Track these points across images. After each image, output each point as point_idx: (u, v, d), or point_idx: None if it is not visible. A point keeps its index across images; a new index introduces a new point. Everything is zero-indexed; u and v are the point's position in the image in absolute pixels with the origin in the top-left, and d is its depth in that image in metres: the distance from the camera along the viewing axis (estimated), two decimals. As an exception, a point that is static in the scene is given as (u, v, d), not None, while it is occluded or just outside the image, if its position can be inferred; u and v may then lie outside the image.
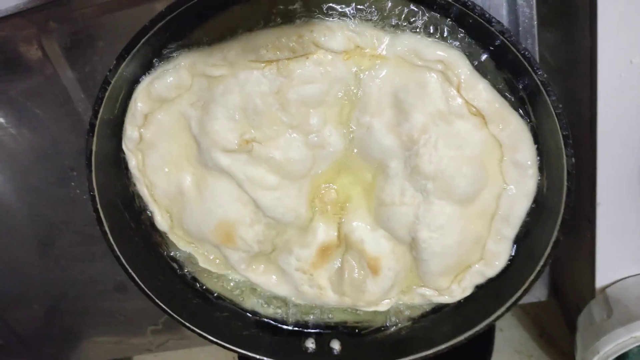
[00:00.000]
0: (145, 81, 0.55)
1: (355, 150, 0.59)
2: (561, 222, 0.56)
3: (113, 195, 0.62)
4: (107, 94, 0.51)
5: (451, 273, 0.65)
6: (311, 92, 0.54)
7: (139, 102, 0.56)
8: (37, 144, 0.75)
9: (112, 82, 0.51)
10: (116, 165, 0.61)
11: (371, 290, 0.66)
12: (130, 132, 0.58)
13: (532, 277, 0.60)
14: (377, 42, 0.53)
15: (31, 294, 0.94)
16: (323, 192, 0.63)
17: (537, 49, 0.59)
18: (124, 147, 0.59)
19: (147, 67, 0.55)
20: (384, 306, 0.69)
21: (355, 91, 0.55)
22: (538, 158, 0.57)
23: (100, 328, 0.96)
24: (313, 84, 0.54)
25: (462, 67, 0.52)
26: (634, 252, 0.69)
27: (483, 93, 0.53)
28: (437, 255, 0.61)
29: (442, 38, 0.52)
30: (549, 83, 0.48)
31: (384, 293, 0.66)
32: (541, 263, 0.59)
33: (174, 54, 0.55)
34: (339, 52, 0.52)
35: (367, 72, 0.54)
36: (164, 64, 0.55)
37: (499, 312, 0.63)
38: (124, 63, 0.50)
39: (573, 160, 0.52)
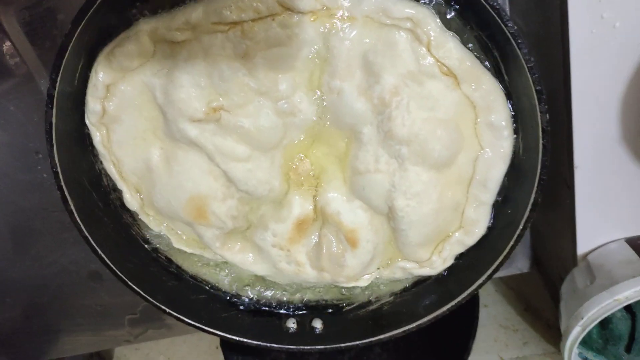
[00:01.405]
0: (106, 50, 0.53)
1: (328, 118, 0.57)
2: (538, 182, 0.55)
3: (78, 174, 0.60)
4: (64, 61, 0.49)
5: (431, 243, 0.64)
6: (278, 55, 0.52)
7: (100, 71, 0.54)
8: (0, 128, 0.72)
9: (69, 47, 0.49)
10: (80, 142, 0.59)
11: (350, 265, 0.64)
12: (93, 104, 0.56)
13: (512, 243, 0.59)
14: (345, 2, 0.51)
15: (6, 288, 0.91)
16: (297, 163, 0.61)
17: (507, 10, 0.57)
18: (87, 121, 0.57)
19: (106, 34, 0.53)
20: (364, 281, 0.68)
21: (324, 55, 0.53)
22: (513, 118, 0.56)
23: (77, 320, 0.93)
24: (280, 47, 0.52)
25: (431, 24, 0.51)
26: (614, 217, 0.68)
27: (453, 51, 0.52)
28: (415, 224, 0.60)
29: (410, -6, 0.51)
30: (519, 35, 0.47)
31: (364, 267, 0.65)
32: (520, 227, 0.58)
33: (135, 19, 0.53)
34: (305, 13, 0.51)
35: (335, 34, 0.52)
36: (125, 31, 0.53)
37: (480, 281, 0.63)
38: (80, 26, 0.48)
39: (547, 116, 0.51)
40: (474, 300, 0.85)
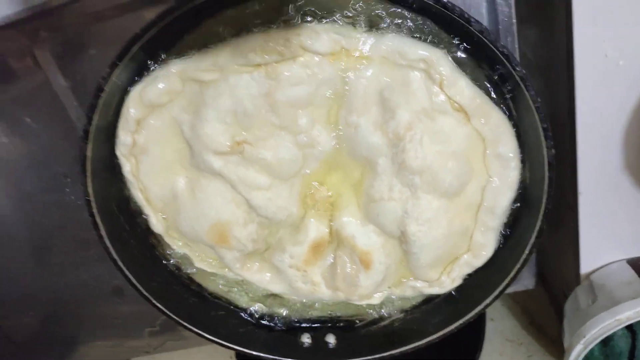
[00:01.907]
0: (137, 88, 0.57)
1: (344, 149, 0.61)
2: (544, 211, 0.58)
3: (108, 200, 0.63)
4: (100, 101, 0.53)
5: (440, 265, 0.67)
6: (299, 94, 0.55)
7: (131, 108, 0.57)
8: (30, 152, 0.76)
9: (106, 88, 0.52)
10: (110, 170, 0.62)
11: (363, 285, 0.67)
12: (123, 137, 0.59)
13: (518, 266, 0.63)
14: (362, 44, 0.54)
15: (28, 301, 0.94)
16: (314, 190, 0.64)
17: (517, 46, 0.61)
18: (117, 152, 0.60)
19: (139, 74, 0.56)
20: (376, 299, 0.71)
21: (342, 91, 0.57)
22: (520, 150, 0.59)
23: (97, 332, 0.97)
24: (300, 86, 0.55)
25: (444, 65, 0.54)
26: (616, 239, 0.71)
27: (465, 90, 0.55)
28: (426, 247, 0.63)
29: (424, 38, 0.54)
30: (527, 78, 0.50)
31: (376, 286, 0.68)
32: (526, 252, 0.61)
33: (165, 60, 0.56)
34: (325, 54, 0.54)
35: (353, 73, 0.55)
36: (155, 71, 0.56)
37: (487, 301, 0.66)
38: (117, 70, 0.51)
39: (553, 151, 0.54)
40: (481, 315, 0.88)
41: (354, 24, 0.54)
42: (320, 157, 0.61)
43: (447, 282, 0.67)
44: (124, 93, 0.57)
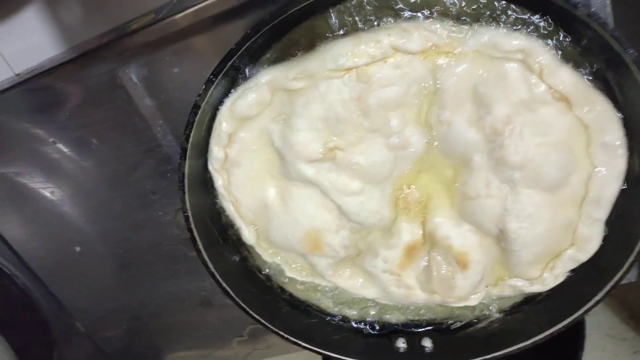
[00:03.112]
0: (228, 102, 0.57)
1: (436, 148, 0.59)
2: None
3: (202, 214, 0.64)
4: (197, 118, 0.53)
5: (542, 261, 0.64)
6: (390, 95, 0.54)
7: (224, 122, 0.58)
8: (119, 171, 0.78)
9: (202, 105, 0.53)
10: (203, 184, 0.63)
11: (461, 286, 0.65)
12: (217, 152, 0.60)
13: (631, 259, 0.59)
14: (454, 39, 0.53)
15: (118, 315, 0.98)
16: (405, 192, 0.63)
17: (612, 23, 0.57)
18: (210, 167, 0.61)
19: (229, 88, 0.57)
20: (473, 300, 0.69)
21: (433, 89, 0.55)
22: (627, 137, 0.55)
23: (185, 343, 0.99)
24: (392, 87, 0.54)
25: (543, 54, 0.51)
26: None
27: (566, 77, 0.52)
28: (527, 244, 0.61)
29: (522, 26, 0.51)
30: (638, 60, 0.47)
31: (474, 287, 0.66)
32: (639, 245, 0.58)
33: (253, 72, 0.56)
34: (416, 53, 0.53)
35: (445, 69, 0.54)
36: (244, 83, 0.57)
37: (597, 297, 0.62)
38: (212, 87, 0.52)
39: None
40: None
41: (444, 19, 0.53)
42: (412, 158, 0.59)
43: (550, 279, 0.64)
44: (215, 108, 0.57)
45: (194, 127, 0.54)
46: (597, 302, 0.62)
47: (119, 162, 0.77)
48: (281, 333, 0.70)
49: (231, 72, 0.55)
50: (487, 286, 0.68)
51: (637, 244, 0.58)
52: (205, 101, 0.53)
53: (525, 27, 0.52)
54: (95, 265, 0.89)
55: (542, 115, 0.54)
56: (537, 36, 0.52)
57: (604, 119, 0.54)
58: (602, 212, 0.60)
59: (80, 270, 0.90)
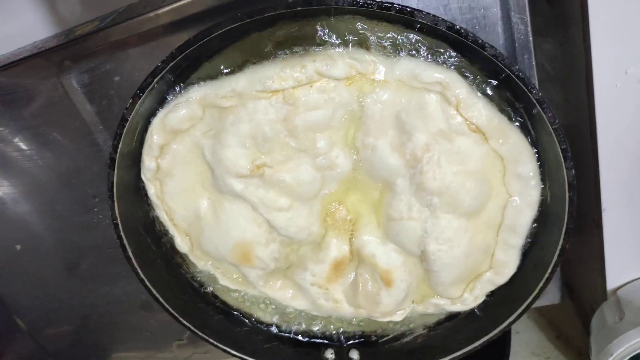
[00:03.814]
0: (160, 115, 0.58)
1: (362, 170, 0.61)
2: (565, 230, 0.57)
3: (135, 221, 0.65)
4: (124, 130, 0.54)
5: (462, 282, 0.67)
6: (316, 118, 0.56)
7: (155, 134, 0.59)
8: (61, 174, 0.79)
9: (129, 118, 0.54)
10: (136, 193, 0.65)
11: (385, 302, 0.68)
12: (148, 162, 0.61)
13: (541, 284, 0.62)
14: (377, 68, 0.55)
15: (62, 314, 0.98)
16: (334, 210, 0.65)
17: (534, 62, 0.60)
18: (142, 177, 0.62)
19: (161, 102, 0.58)
20: (398, 316, 0.71)
21: (359, 114, 0.57)
22: (540, 170, 0.58)
23: (127, 344, 1.00)
24: (318, 110, 0.56)
25: (460, 88, 0.54)
26: (643, 254, 0.70)
27: (482, 111, 0.55)
28: (447, 266, 0.63)
29: (440, 60, 0.54)
30: (544, 101, 0.50)
31: (398, 304, 0.69)
32: (549, 270, 0.61)
33: (186, 88, 0.58)
34: (341, 79, 0.55)
35: (369, 96, 0.56)
36: (176, 98, 0.58)
37: (511, 319, 0.65)
38: (139, 101, 0.53)
39: (573, 172, 0.54)
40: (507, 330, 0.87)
41: (369, 49, 0.55)
42: (339, 178, 0.61)
43: (470, 299, 0.67)
44: (147, 120, 0.59)
45: (122, 138, 0.55)
46: (511, 323, 0.65)
47: (62, 165, 0.78)
48: (211, 340, 0.72)
49: (162, 86, 0.56)
50: (413, 302, 0.71)
51: (546, 270, 0.61)
52: (132, 114, 0.54)
53: (445, 61, 0.54)
54: (36, 265, 0.89)
55: (459, 145, 0.57)
56: (456, 70, 0.55)
57: (518, 152, 0.57)
58: (517, 239, 0.63)
59: (23, 269, 0.90)
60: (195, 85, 0.58)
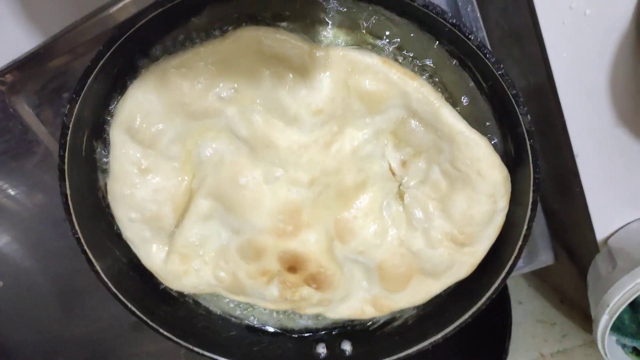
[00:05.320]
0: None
1: None
2: (533, 181, 0.55)
3: (99, 235, 0.64)
4: (67, 138, 0.53)
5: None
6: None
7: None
8: (31, 202, 0.78)
9: (70, 125, 0.53)
10: (95, 205, 0.63)
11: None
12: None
13: (520, 242, 0.60)
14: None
15: (56, 346, 0.96)
16: None
17: (478, 14, 0.59)
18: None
19: (103, 106, 0.57)
20: None
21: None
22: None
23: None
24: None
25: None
26: (627, 198, 0.67)
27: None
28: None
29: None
30: (483, 46, 0.48)
31: None
32: (525, 227, 0.59)
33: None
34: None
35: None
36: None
37: (498, 281, 0.63)
38: (77, 105, 0.52)
39: (529, 117, 0.51)
40: (504, 299, 0.84)
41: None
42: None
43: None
44: (93, 128, 0.58)
45: (67, 147, 0.54)
46: (496, 290, 0.63)
47: (30, 192, 0.77)
48: (197, 350, 0.70)
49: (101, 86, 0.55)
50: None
51: (524, 225, 0.59)
52: (72, 120, 0.53)
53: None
54: (20, 298, 0.88)
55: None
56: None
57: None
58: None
59: (9, 304, 0.89)
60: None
